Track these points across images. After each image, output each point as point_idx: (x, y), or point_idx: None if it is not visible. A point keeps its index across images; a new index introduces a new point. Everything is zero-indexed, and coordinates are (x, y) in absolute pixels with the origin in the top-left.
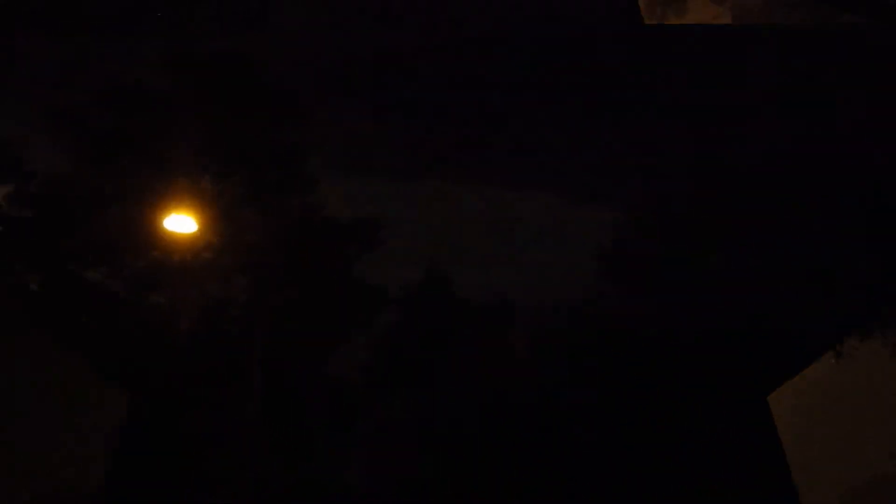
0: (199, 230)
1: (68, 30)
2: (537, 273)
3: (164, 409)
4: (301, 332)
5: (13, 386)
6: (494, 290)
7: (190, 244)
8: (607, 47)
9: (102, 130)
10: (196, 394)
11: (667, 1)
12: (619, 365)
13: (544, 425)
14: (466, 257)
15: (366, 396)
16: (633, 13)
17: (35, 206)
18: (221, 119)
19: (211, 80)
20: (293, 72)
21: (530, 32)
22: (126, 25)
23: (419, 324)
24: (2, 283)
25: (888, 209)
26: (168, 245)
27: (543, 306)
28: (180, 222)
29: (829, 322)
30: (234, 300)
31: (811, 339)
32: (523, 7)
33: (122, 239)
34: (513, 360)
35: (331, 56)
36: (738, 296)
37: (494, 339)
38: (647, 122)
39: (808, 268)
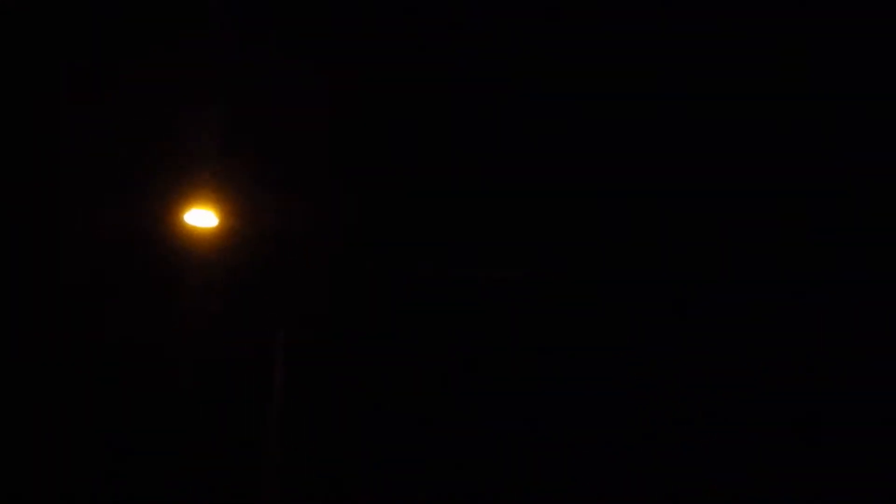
0: (220, 224)
1: None
2: None
3: (181, 404)
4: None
5: None
6: None
7: (211, 239)
8: None
9: None
10: (214, 390)
11: None
12: None
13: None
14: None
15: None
16: None
17: None
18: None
19: None
20: None
21: None
22: None
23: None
24: None
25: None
26: (188, 239)
27: None
28: (201, 217)
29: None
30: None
31: None
32: None
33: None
34: None
35: None
36: None
37: None
38: None
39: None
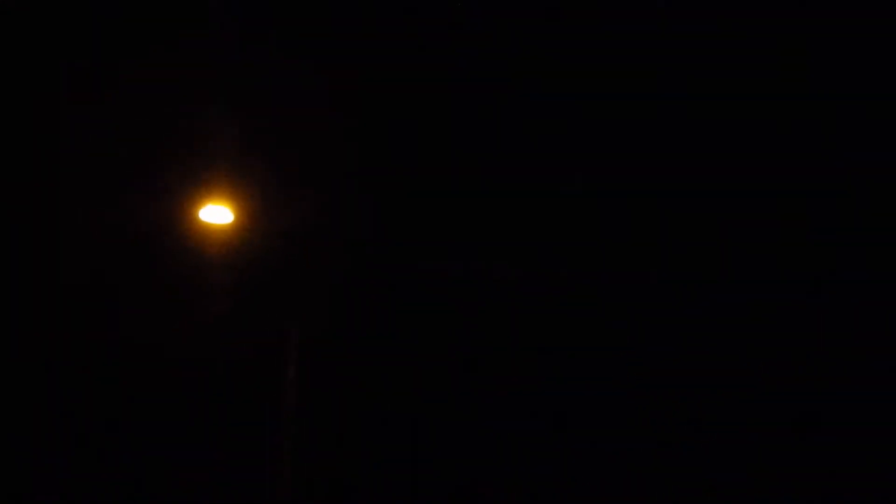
0: (236, 221)
1: None
2: None
3: (192, 403)
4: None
5: None
6: None
7: (226, 235)
8: None
9: None
10: (227, 385)
11: None
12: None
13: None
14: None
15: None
16: None
17: None
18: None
19: None
20: None
21: None
22: None
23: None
24: None
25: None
26: (204, 236)
27: None
28: (216, 213)
29: None
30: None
31: None
32: None
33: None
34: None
35: None
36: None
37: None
38: None
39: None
